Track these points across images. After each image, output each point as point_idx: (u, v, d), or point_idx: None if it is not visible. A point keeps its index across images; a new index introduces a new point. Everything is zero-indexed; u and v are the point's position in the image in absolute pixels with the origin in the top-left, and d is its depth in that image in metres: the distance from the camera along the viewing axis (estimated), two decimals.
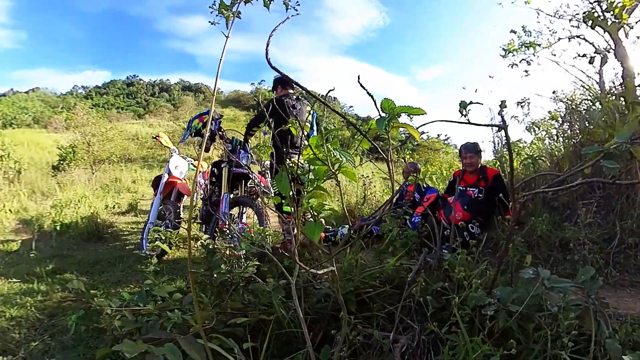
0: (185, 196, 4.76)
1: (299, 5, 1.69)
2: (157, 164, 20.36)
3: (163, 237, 4.20)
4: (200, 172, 4.91)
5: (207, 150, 3.89)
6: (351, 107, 78.14)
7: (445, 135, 33.05)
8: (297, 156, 1.83)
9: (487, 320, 1.55)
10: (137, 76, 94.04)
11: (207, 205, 4.20)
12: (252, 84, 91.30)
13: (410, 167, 4.84)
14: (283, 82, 4.28)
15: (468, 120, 1.47)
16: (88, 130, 14.83)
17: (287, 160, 1.81)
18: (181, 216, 4.40)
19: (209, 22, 1.59)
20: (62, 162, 13.93)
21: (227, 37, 1.55)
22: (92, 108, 30.19)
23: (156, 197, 4.43)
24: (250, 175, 3.80)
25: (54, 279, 3.56)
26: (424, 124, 1.76)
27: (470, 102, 1.45)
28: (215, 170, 4.10)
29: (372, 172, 7.57)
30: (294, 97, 4.27)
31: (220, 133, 3.88)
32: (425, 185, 4.43)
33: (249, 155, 4.04)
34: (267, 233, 2.44)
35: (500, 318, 1.55)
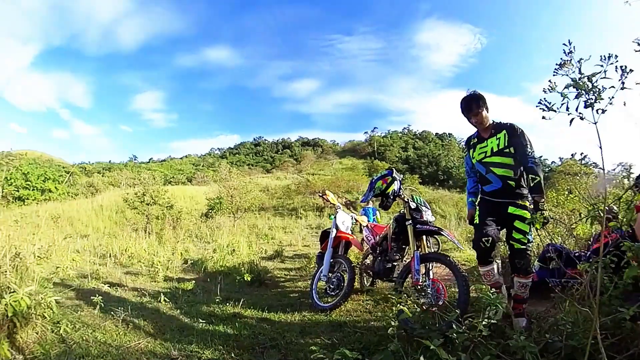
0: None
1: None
2: (287, 212, 21.59)
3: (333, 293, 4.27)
4: (365, 226, 5.07)
5: (387, 208, 3.86)
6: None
7: (582, 154, 28.47)
8: None
9: None
10: (262, 137, 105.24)
11: (378, 259, 4.20)
12: (365, 132, 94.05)
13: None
14: None
15: None
16: (230, 184, 16.50)
17: None
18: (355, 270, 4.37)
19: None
20: (210, 210, 15.66)
21: None
22: (231, 164, 34.11)
23: (327, 251, 4.54)
24: (441, 232, 3.69)
25: (237, 322, 3.61)
26: None
27: None
28: (395, 225, 4.01)
29: None
30: None
31: (400, 193, 3.80)
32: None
33: (430, 210, 3.97)
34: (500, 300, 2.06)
35: None
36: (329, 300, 4.22)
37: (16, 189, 23.80)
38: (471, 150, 3.19)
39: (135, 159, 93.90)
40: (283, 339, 3.12)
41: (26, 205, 20.67)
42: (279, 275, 6.17)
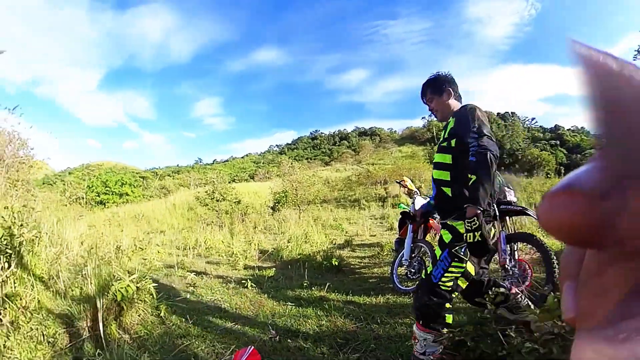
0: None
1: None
2: (349, 204, 21.61)
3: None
4: None
5: None
6: (533, 119, 69.50)
7: None
8: None
9: None
10: (319, 130, 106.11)
11: None
12: (422, 117, 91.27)
13: None
14: None
15: None
16: (294, 178, 16.85)
17: None
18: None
19: None
20: (276, 204, 16.16)
21: None
22: (294, 159, 35.09)
23: (408, 236, 4.54)
24: (526, 212, 3.55)
25: (325, 304, 3.71)
26: None
27: None
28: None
29: None
30: None
31: None
32: None
33: (513, 190, 3.83)
34: None
35: None
36: (410, 284, 4.25)
37: (97, 195, 27.22)
38: None
39: (200, 161, 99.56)
40: (372, 318, 3.20)
41: (107, 208, 23.01)
42: (353, 263, 6.21)
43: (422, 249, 4.42)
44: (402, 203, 7.25)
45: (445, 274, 2.10)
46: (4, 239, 3.23)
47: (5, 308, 2.97)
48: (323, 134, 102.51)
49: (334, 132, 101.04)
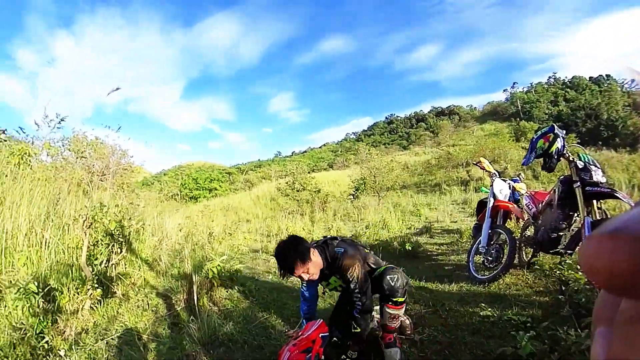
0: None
1: None
2: (430, 189, 21.00)
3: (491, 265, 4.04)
4: (525, 194, 4.60)
5: (551, 170, 3.40)
6: (633, 81, 60.20)
7: None
8: None
9: None
10: (394, 114, 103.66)
11: (541, 229, 3.77)
12: (504, 90, 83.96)
13: None
14: None
15: None
16: (372, 164, 16.77)
17: None
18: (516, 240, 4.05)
19: None
20: (355, 191, 16.30)
21: None
22: (371, 145, 35.16)
23: (485, 222, 4.30)
24: (615, 194, 3.13)
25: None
26: None
27: None
28: (561, 189, 3.56)
29: None
30: None
31: (564, 151, 3.32)
32: None
33: (601, 169, 3.38)
34: None
35: None
36: (487, 273, 4.02)
37: (190, 191, 30.83)
38: None
39: (279, 154, 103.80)
40: (442, 306, 3.18)
41: (199, 202, 25.50)
42: (430, 250, 6.12)
43: (501, 236, 4.17)
44: (484, 187, 6.85)
45: None
46: (117, 230, 3.95)
47: (119, 284, 3.75)
48: (399, 118, 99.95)
49: (409, 115, 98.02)
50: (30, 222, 3.54)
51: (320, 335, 2.27)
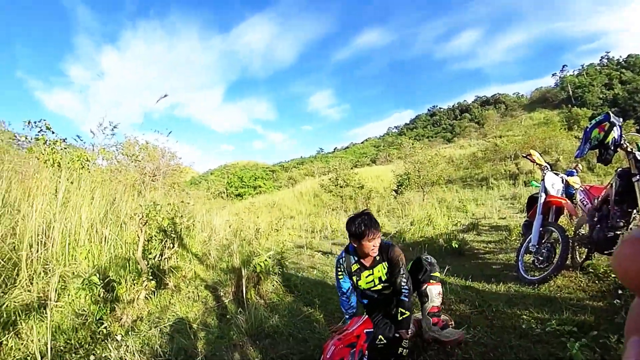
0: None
1: None
2: (476, 183, 20.29)
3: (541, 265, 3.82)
4: (579, 189, 4.24)
5: (607, 162, 3.15)
6: None
7: None
8: None
9: None
10: (436, 106, 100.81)
11: (597, 227, 3.47)
12: (553, 74, 78.40)
13: None
14: None
15: None
16: (415, 159, 16.45)
17: None
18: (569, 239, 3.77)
19: None
20: (399, 187, 16.09)
21: None
22: (414, 139, 34.79)
23: (536, 219, 4.03)
24: None
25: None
26: None
27: None
28: (619, 183, 3.27)
29: None
30: None
31: (622, 142, 3.05)
32: None
33: None
34: None
35: None
36: (537, 274, 3.81)
37: (235, 189, 32.48)
38: None
39: (321, 151, 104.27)
40: (489, 307, 3.09)
41: (244, 199, 26.40)
42: (477, 247, 5.95)
43: (553, 234, 3.90)
44: (535, 181, 6.41)
45: None
46: (169, 226, 4.26)
47: (171, 276, 4.04)
48: (442, 109, 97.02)
49: (453, 106, 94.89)
50: (91, 220, 3.84)
51: (364, 331, 2.29)
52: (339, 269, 2.63)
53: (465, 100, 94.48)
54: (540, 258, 3.83)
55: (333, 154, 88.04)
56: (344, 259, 2.62)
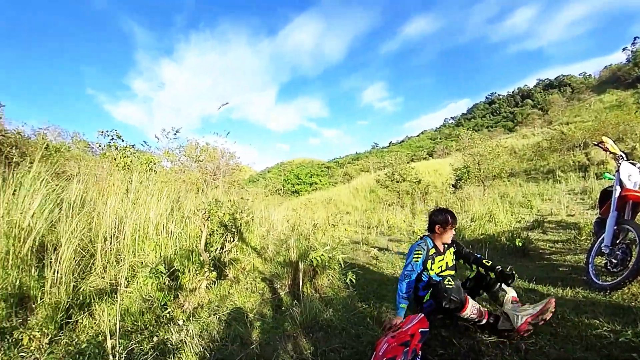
0: None
1: None
2: (541, 176, 18.96)
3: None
4: None
5: None
6: None
7: None
8: None
9: None
10: (495, 93, 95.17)
11: None
12: (623, 49, 69.41)
13: None
14: None
15: None
16: (475, 151, 15.71)
17: None
18: None
19: None
20: (458, 181, 15.51)
21: None
22: (472, 130, 33.70)
23: (610, 216, 3.60)
24: None
25: None
26: None
27: None
28: None
29: None
30: None
31: None
32: None
33: None
34: None
35: None
36: (609, 278, 3.40)
37: (292, 186, 34.00)
38: None
39: (376, 146, 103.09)
40: (553, 313, 2.82)
41: (301, 196, 27.00)
42: (542, 247, 5.59)
43: (629, 234, 3.48)
44: (609, 172, 5.76)
45: None
46: (230, 222, 4.56)
47: (231, 268, 4.33)
48: (501, 96, 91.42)
49: (512, 92, 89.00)
50: (158, 216, 4.24)
51: (419, 330, 2.26)
52: (418, 250, 2.97)
53: (526, 85, 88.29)
54: (614, 261, 3.41)
55: (388, 149, 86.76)
56: (424, 242, 3.03)
